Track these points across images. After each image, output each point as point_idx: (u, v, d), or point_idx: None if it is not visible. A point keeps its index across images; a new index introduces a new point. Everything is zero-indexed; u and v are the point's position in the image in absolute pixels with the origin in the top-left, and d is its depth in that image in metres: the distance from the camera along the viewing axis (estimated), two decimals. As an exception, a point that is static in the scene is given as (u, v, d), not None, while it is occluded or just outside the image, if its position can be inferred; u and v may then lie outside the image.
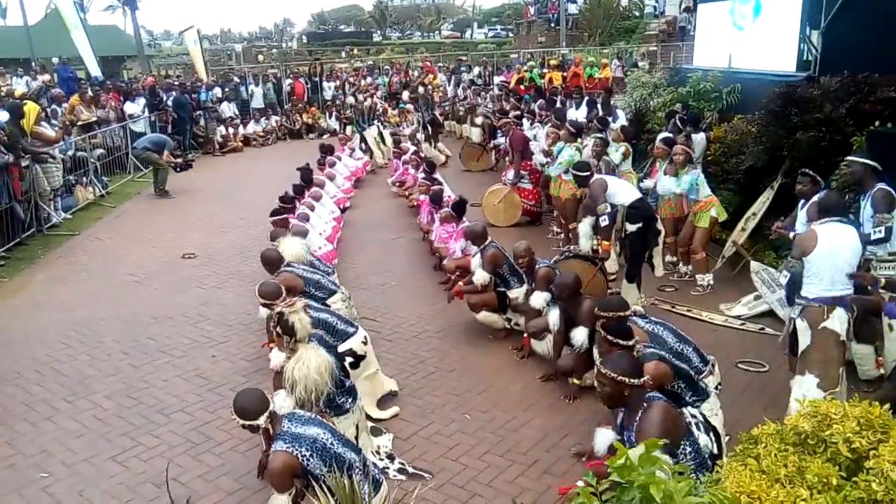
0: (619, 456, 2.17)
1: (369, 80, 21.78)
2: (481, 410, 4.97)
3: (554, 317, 5.29)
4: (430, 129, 14.83)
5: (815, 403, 2.50)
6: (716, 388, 4.24)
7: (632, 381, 3.25)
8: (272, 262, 5.54)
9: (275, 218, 7.47)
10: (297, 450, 3.26)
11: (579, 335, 4.91)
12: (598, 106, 11.11)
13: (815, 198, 5.31)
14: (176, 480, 4.24)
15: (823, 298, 4.27)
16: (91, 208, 11.50)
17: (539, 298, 5.60)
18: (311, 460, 3.25)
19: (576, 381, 5.06)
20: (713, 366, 4.35)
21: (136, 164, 13.90)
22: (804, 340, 4.35)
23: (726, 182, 7.97)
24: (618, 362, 3.35)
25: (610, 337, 3.94)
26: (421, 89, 19.54)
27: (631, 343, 3.90)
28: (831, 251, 4.25)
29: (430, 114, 16.08)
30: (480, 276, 5.97)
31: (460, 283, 6.32)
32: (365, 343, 4.92)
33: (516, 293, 6.02)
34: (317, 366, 3.84)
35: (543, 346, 5.51)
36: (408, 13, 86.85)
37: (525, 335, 5.79)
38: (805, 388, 4.24)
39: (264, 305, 4.83)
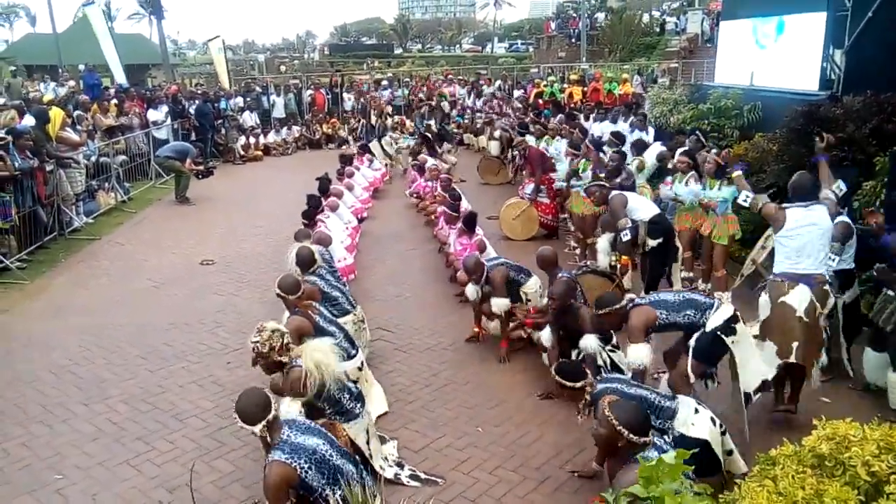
0: (647, 466, 2.15)
1: (384, 94, 21.82)
2: (494, 424, 4.95)
3: (546, 334, 5.34)
4: (428, 140, 14.87)
5: (834, 425, 2.47)
6: (734, 315, 4.34)
7: (635, 437, 3.10)
8: (304, 262, 5.59)
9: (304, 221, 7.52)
10: (295, 461, 3.19)
11: (590, 342, 4.86)
12: (632, 119, 11.28)
13: (840, 218, 5.30)
14: (188, 486, 4.25)
15: (787, 274, 4.50)
16: (112, 213, 11.64)
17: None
18: (310, 473, 3.18)
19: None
20: (720, 303, 4.51)
21: (157, 171, 14.07)
22: (763, 313, 4.64)
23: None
24: (627, 412, 3.18)
25: (560, 379, 3.91)
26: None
27: (580, 385, 3.83)
28: (798, 231, 4.46)
29: (438, 126, 16.06)
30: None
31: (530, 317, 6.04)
32: (360, 369, 4.92)
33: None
34: (322, 350, 3.84)
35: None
36: (429, 27, 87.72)
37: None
38: (766, 352, 4.54)
39: (278, 295, 4.95)
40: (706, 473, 3.45)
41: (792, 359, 4.48)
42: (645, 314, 4.50)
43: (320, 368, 3.77)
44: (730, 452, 3.83)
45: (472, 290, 6.16)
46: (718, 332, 4.40)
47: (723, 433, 3.81)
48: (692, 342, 4.50)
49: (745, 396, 4.46)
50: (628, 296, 4.86)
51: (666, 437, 3.66)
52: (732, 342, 4.44)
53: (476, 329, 6.32)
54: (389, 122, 18.56)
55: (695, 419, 3.73)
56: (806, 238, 4.46)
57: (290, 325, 4.34)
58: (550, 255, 5.81)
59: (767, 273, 6.70)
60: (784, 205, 4.79)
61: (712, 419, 3.80)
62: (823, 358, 5.41)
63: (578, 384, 3.86)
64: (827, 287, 4.57)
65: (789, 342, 4.48)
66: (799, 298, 4.46)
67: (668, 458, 2.16)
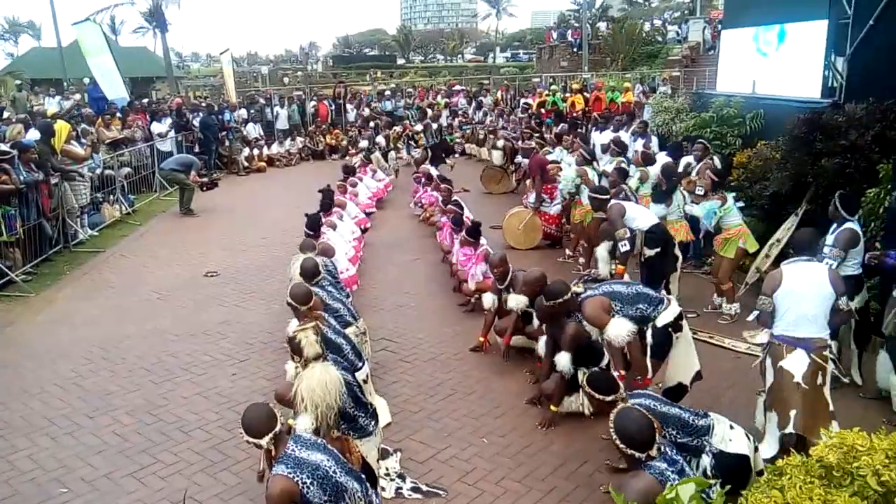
0: (668, 490, 2.12)
1: (386, 104, 21.86)
2: (499, 435, 4.93)
3: (540, 344, 5.37)
4: (431, 152, 14.95)
5: (841, 435, 2.45)
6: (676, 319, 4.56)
7: (630, 451, 3.09)
8: (308, 273, 5.61)
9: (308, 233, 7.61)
10: (297, 476, 3.18)
11: (562, 360, 4.87)
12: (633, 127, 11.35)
13: (846, 224, 5.30)
14: (192, 499, 4.25)
15: (784, 338, 4.24)
16: (117, 226, 11.68)
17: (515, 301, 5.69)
18: (311, 489, 3.17)
19: (553, 407, 5.02)
20: (669, 301, 4.69)
21: (162, 183, 14.12)
22: (769, 378, 4.35)
23: (750, 208, 7.91)
24: (627, 426, 3.13)
25: (592, 392, 3.89)
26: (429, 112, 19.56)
27: (612, 398, 3.79)
28: (795, 292, 4.21)
29: (435, 138, 16.13)
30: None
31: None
32: (365, 381, 4.90)
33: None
34: (321, 381, 3.78)
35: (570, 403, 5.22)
36: (431, 37, 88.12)
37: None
38: (771, 423, 4.26)
39: (289, 304, 4.99)
40: (740, 491, 3.40)
41: (790, 429, 4.15)
42: (599, 302, 4.62)
43: (315, 402, 3.74)
44: (760, 473, 3.61)
45: (489, 299, 6.18)
46: (669, 329, 4.61)
47: (755, 450, 3.72)
48: (649, 341, 4.65)
49: (667, 389, 4.71)
50: (575, 288, 4.86)
51: (704, 455, 3.58)
52: (677, 338, 4.67)
53: (482, 339, 6.31)
54: (388, 132, 18.52)
55: (732, 435, 3.66)
56: (802, 300, 4.21)
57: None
58: (539, 276, 5.56)
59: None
60: (785, 262, 4.66)
61: (746, 435, 3.73)
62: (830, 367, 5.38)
63: (609, 397, 3.78)
64: (826, 352, 4.22)
65: (787, 411, 4.17)
66: (797, 363, 4.18)
67: (685, 491, 2.11)
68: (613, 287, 4.81)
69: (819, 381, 4.17)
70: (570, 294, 4.76)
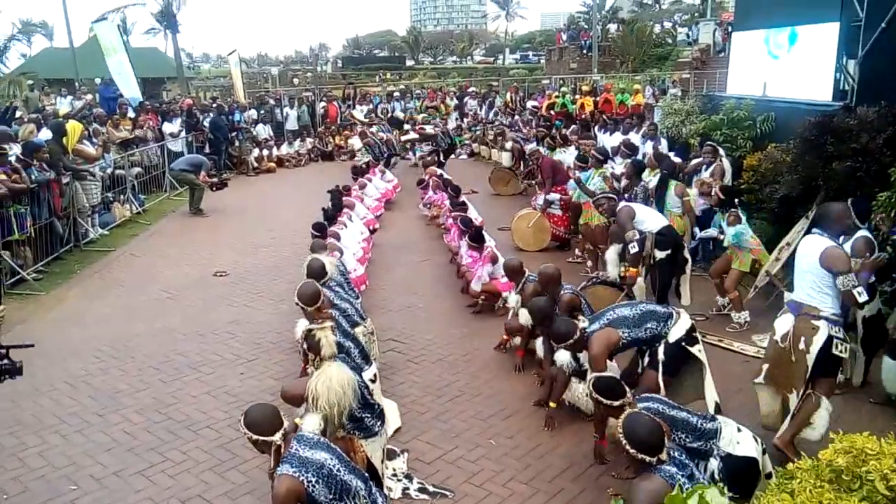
0: (688, 494, 2.11)
1: (396, 105, 21.83)
2: (506, 436, 4.93)
3: (538, 343, 5.41)
4: (440, 154, 14.97)
5: (850, 439, 2.44)
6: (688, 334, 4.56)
7: (641, 455, 3.09)
8: (315, 274, 5.62)
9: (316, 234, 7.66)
10: (303, 475, 3.18)
11: (562, 357, 4.86)
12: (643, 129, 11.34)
13: (860, 233, 5.25)
14: (201, 497, 4.28)
15: (789, 301, 4.52)
16: (127, 225, 11.75)
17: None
18: (317, 487, 3.17)
19: (551, 403, 5.03)
20: (678, 314, 4.64)
21: (172, 183, 14.19)
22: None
23: (760, 211, 7.87)
24: (637, 431, 3.14)
25: (599, 397, 3.87)
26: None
27: (620, 403, 3.77)
28: (796, 260, 4.50)
29: (443, 139, 16.12)
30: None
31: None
32: (373, 381, 4.89)
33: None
34: (339, 380, 3.79)
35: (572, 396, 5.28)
36: (441, 39, 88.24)
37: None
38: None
39: (297, 304, 4.99)
40: (748, 494, 3.38)
41: (759, 379, 4.50)
42: (606, 338, 4.50)
43: (330, 401, 3.75)
44: (769, 476, 3.61)
45: (513, 299, 6.18)
46: (683, 343, 4.55)
47: (763, 452, 3.71)
48: (660, 357, 4.56)
49: (716, 406, 4.52)
50: (580, 325, 4.66)
51: (712, 458, 3.58)
52: (699, 351, 4.61)
53: (505, 337, 6.32)
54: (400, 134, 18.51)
55: (739, 437, 3.68)
56: (798, 268, 4.45)
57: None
58: (553, 272, 5.62)
59: (781, 284, 6.68)
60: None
61: (754, 437, 3.73)
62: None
63: (617, 402, 3.75)
64: (818, 322, 4.19)
65: (763, 363, 4.59)
66: (782, 324, 4.39)
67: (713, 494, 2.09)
68: (618, 312, 4.67)
69: (802, 346, 4.23)
70: (577, 333, 4.57)
